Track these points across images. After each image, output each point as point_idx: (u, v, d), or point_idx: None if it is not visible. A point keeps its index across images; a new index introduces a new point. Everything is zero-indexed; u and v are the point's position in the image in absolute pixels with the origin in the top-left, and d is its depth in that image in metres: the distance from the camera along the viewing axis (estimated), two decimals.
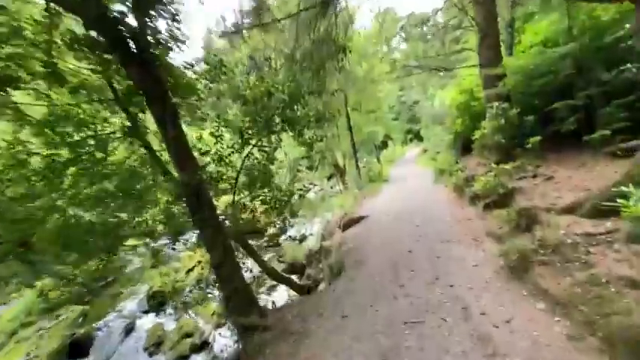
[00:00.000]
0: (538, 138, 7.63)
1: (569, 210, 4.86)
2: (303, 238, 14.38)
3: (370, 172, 15.56)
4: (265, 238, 15.84)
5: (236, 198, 7.26)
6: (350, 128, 14.38)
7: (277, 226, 11.27)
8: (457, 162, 11.07)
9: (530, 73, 8.52)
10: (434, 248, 5.85)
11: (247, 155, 6.99)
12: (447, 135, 13.17)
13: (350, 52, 8.12)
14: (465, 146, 11.56)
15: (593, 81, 7.76)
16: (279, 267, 10.76)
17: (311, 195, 29.57)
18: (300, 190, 8.38)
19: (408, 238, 6.58)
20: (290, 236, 15.68)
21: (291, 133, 7.10)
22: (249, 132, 6.63)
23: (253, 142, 6.89)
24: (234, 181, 7.06)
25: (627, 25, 7.09)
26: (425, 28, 31.03)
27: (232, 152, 6.86)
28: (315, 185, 31.79)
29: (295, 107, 6.63)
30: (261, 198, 7.27)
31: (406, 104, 32.11)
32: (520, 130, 8.40)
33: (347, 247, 7.06)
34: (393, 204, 9.48)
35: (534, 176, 6.85)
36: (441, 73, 27.68)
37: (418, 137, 33.93)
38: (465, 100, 11.19)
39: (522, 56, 8.77)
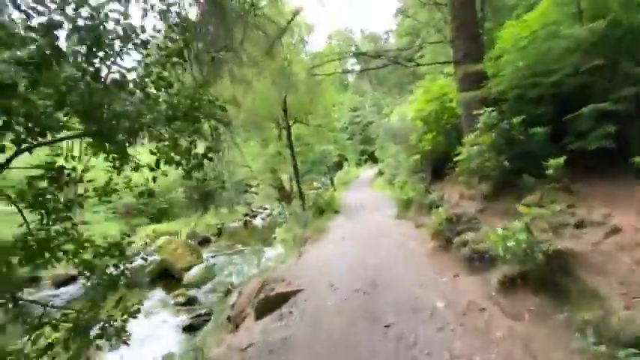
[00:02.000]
0: (562, 160, 4.77)
1: None
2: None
3: (320, 198, 12.24)
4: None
5: None
6: (291, 145, 11.14)
7: None
8: (428, 191, 8.15)
9: (532, 69, 5.84)
10: None
11: None
12: (410, 156, 10.31)
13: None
14: (436, 170, 8.75)
15: (619, 77, 5.20)
16: None
17: (258, 221, 25.68)
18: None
19: None
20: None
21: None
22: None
23: None
24: None
25: None
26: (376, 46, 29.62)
27: None
28: (265, 209, 27.89)
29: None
30: None
31: (360, 124, 29.89)
32: (522, 147, 5.59)
33: None
34: (345, 259, 5.97)
35: (579, 225, 3.87)
36: (397, 96, 25.94)
37: (372, 158, 31.70)
38: (434, 110, 8.43)
39: (518, 47, 6.08)
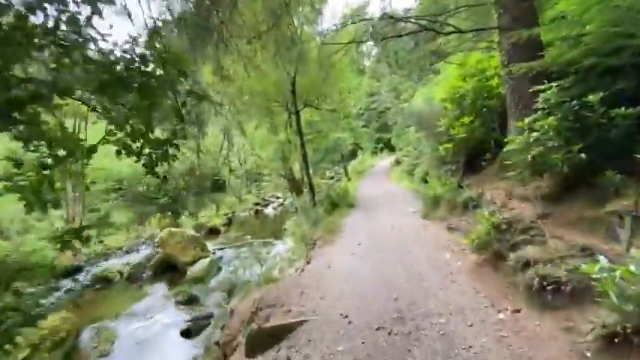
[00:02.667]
0: None
1: None
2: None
3: (332, 190, 11.02)
4: None
5: None
6: (299, 131, 9.87)
7: None
8: (461, 186, 6.82)
9: (610, 30, 4.37)
10: None
11: None
12: (437, 144, 8.91)
13: None
14: (470, 161, 7.39)
15: None
16: None
17: (269, 211, 24.72)
18: None
19: None
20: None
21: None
22: None
23: None
24: None
25: None
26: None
27: None
28: (278, 198, 26.89)
29: None
30: None
31: (376, 110, 28.26)
32: (599, 134, 4.19)
33: None
34: (362, 275, 4.67)
35: None
36: (417, 80, 24.08)
37: (389, 147, 30.12)
38: (470, 90, 7.00)
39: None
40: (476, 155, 6.98)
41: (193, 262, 11.56)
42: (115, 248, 16.09)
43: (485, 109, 6.97)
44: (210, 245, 14.79)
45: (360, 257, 5.34)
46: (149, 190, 23.70)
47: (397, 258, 5.00)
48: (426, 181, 9.85)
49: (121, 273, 11.99)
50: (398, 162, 20.26)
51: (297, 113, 8.42)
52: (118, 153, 2.73)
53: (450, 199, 6.64)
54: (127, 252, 15.62)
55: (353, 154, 32.77)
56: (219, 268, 11.35)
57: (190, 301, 9.14)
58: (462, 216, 6.04)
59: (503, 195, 5.20)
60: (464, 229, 5.40)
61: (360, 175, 22.05)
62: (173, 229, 12.61)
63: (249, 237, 15.44)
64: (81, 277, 12.13)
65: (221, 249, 13.84)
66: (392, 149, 29.28)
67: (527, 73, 5.34)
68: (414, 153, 14.53)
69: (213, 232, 17.47)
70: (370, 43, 29.41)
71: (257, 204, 24.75)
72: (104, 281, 11.51)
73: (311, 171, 24.05)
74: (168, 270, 11.84)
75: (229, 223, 20.06)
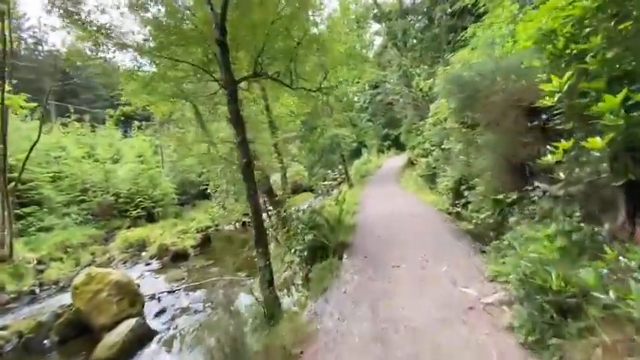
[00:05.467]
0: None
1: None
2: None
3: (316, 215, 6.68)
4: None
5: None
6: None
7: None
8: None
9: None
10: None
11: None
12: (513, 141, 4.51)
13: None
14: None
15: None
16: None
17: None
18: None
19: None
20: None
21: None
22: None
23: None
24: None
25: None
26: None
27: None
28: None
29: None
30: None
31: (383, 102, 23.81)
32: None
33: None
34: None
35: None
36: (428, 63, 19.59)
37: (397, 144, 25.69)
38: None
39: None
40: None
41: (115, 324, 7.48)
42: (50, 282, 12.15)
43: None
44: (163, 283, 10.80)
45: None
46: (118, 201, 19.83)
47: None
48: (465, 204, 5.60)
49: (20, 335, 7.96)
50: (411, 162, 15.86)
51: (234, 85, 4.17)
52: None
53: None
54: (63, 288, 11.69)
55: (357, 153, 28.41)
56: (147, 338, 7.24)
57: None
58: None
59: None
60: None
61: (365, 180, 17.69)
62: (95, 271, 8.53)
63: (216, 270, 11.36)
64: None
65: (171, 291, 9.77)
66: (401, 147, 24.85)
67: None
68: (439, 154, 10.15)
69: (179, 257, 13.43)
70: (372, 28, 24.77)
71: (246, 214, 20.64)
72: None
73: (305, 176, 19.51)
74: (81, 333, 7.81)
75: (206, 241, 15.99)
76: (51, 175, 18.12)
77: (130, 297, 8.18)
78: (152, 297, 9.43)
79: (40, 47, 36.59)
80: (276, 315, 3.71)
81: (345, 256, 5.33)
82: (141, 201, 19.79)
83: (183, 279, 10.92)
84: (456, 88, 4.35)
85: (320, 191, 25.06)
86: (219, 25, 4.01)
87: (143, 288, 10.42)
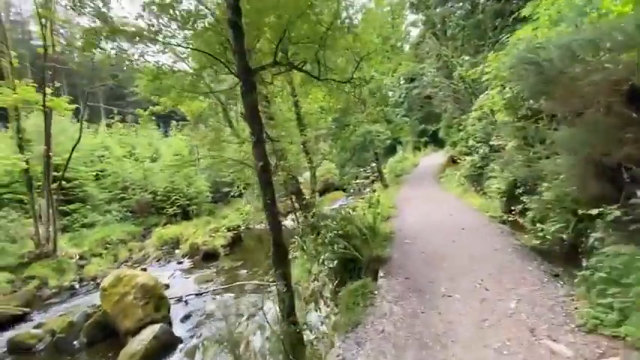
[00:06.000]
0: None
1: None
2: None
3: (347, 224, 5.84)
4: None
5: None
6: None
7: None
8: None
9: None
10: None
11: None
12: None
13: None
14: None
15: None
16: None
17: (288, 222, 20.16)
18: None
19: None
20: None
21: None
22: None
23: None
24: None
25: None
26: None
27: None
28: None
29: None
30: None
31: (420, 96, 22.27)
32: None
33: None
34: None
35: None
36: (470, 51, 17.86)
37: (436, 140, 24.06)
38: None
39: None
40: None
41: (139, 329, 7.25)
42: (89, 278, 12.50)
43: None
44: (192, 284, 10.59)
45: None
46: (156, 199, 20.37)
47: None
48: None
49: (53, 334, 8.04)
50: (453, 161, 14.48)
51: (249, 76, 3.49)
52: None
53: None
54: (99, 285, 11.95)
55: (391, 150, 27.03)
56: (171, 346, 6.91)
57: None
58: None
59: None
60: None
61: (400, 179, 16.52)
62: (123, 272, 8.42)
63: (244, 273, 10.98)
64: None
65: (199, 294, 9.49)
66: (440, 144, 23.19)
67: None
68: (486, 151, 8.94)
69: (210, 256, 13.28)
70: (409, 19, 23.24)
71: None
72: (20, 351, 7.69)
73: (337, 174, 18.87)
74: (108, 336, 7.71)
75: (237, 240, 15.80)
76: (94, 173, 18.92)
77: (156, 301, 7.93)
78: (179, 299, 9.20)
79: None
80: (297, 353, 3.01)
81: (381, 274, 4.49)
82: (176, 199, 20.14)
83: (212, 280, 10.66)
84: (528, 69, 3.33)
85: (352, 190, 24.17)
86: (232, 3, 3.33)
87: (173, 289, 10.32)
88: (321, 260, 5.72)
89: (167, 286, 10.21)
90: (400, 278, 4.15)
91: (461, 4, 18.97)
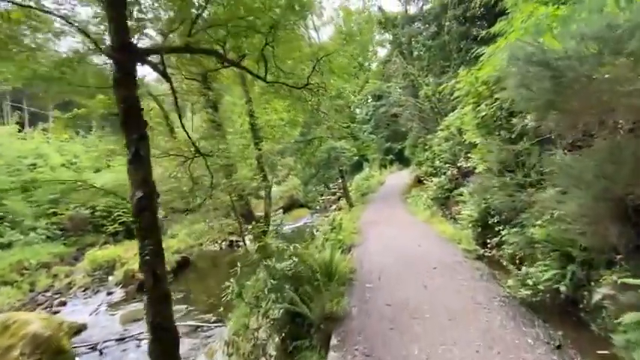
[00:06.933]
0: None
1: None
2: None
3: (300, 263, 4.61)
4: None
5: None
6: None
7: None
8: None
9: None
10: None
11: None
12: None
13: None
14: None
15: None
16: None
17: (248, 243, 18.38)
18: None
19: None
20: None
21: None
22: None
23: None
24: None
25: None
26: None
27: None
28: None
29: None
30: None
31: (386, 114, 21.97)
32: None
33: None
34: None
35: None
36: (436, 72, 17.83)
37: (401, 159, 23.74)
38: None
39: None
40: None
41: None
42: None
43: None
44: (116, 324, 8.63)
45: None
46: (94, 214, 17.77)
47: None
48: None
49: None
50: (419, 181, 13.83)
51: (128, 57, 2.34)
52: None
53: None
54: None
55: (358, 167, 26.39)
56: None
57: None
58: None
59: None
60: None
61: (366, 198, 15.60)
62: (12, 317, 6.45)
63: (183, 308, 9.22)
64: None
65: (120, 340, 7.62)
66: (405, 162, 22.86)
67: None
68: (452, 174, 8.23)
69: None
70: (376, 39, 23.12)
71: (232, 233, 18.44)
72: None
73: (302, 191, 17.70)
74: None
75: (184, 264, 13.86)
76: (18, 185, 16.09)
77: (51, 357, 6.05)
78: (94, 347, 7.30)
79: None
80: None
81: (334, 341, 3.26)
82: (119, 215, 17.68)
83: (143, 319, 8.79)
84: (534, 72, 2.38)
85: (317, 207, 22.96)
86: None
87: (91, 331, 8.32)
88: (262, 311, 4.40)
89: (82, 329, 8.21)
90: (358, 352, 2.95)
91: (427, 25, 19.12)
